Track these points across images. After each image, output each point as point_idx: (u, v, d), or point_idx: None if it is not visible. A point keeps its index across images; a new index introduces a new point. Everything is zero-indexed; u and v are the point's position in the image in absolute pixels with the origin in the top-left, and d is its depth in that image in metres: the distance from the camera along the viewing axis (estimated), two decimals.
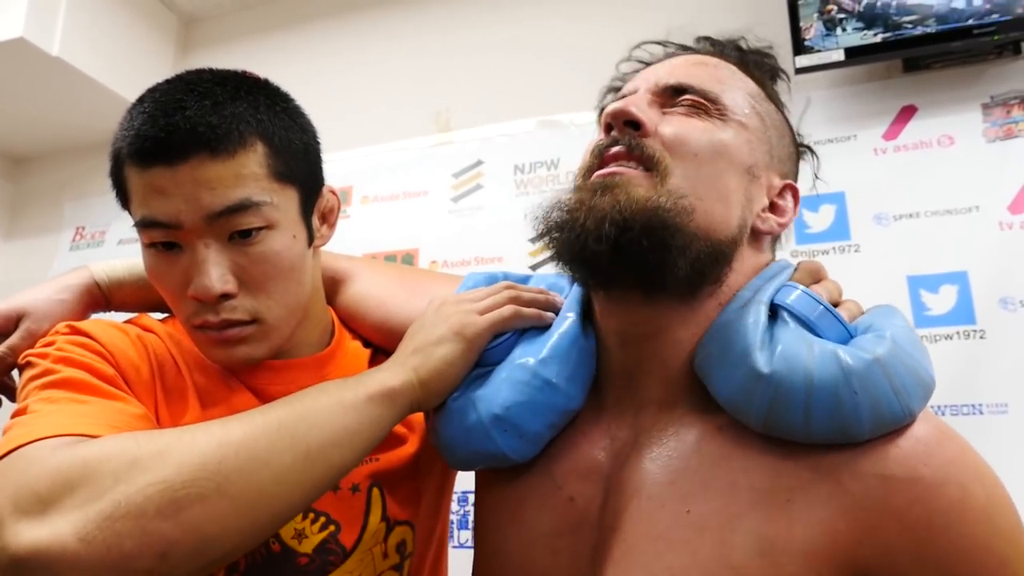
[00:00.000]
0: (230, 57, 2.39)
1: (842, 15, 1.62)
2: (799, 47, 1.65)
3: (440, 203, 2.00)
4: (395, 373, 0.69)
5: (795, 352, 0.57)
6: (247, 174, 0.70)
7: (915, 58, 1.64)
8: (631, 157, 0.65)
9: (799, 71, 1.65)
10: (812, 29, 1.64)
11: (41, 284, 0.83)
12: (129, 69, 2.22)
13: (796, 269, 0.69)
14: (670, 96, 0.69)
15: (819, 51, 1.63)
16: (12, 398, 0.82)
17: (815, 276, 0.68)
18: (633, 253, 0.61)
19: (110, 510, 0.52)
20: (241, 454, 0.58)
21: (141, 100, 0.72)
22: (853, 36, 1.61)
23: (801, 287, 0.63)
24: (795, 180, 0.76)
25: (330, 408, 0.64)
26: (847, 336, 0.60)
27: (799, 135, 0.80)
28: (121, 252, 2.28)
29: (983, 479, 0.54)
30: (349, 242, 1.99)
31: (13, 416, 0.64)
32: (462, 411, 0.70)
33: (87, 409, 0.63)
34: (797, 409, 0.56)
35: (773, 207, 0.70)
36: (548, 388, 0.68)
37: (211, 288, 0.69)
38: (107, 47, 2.16)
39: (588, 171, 0.68)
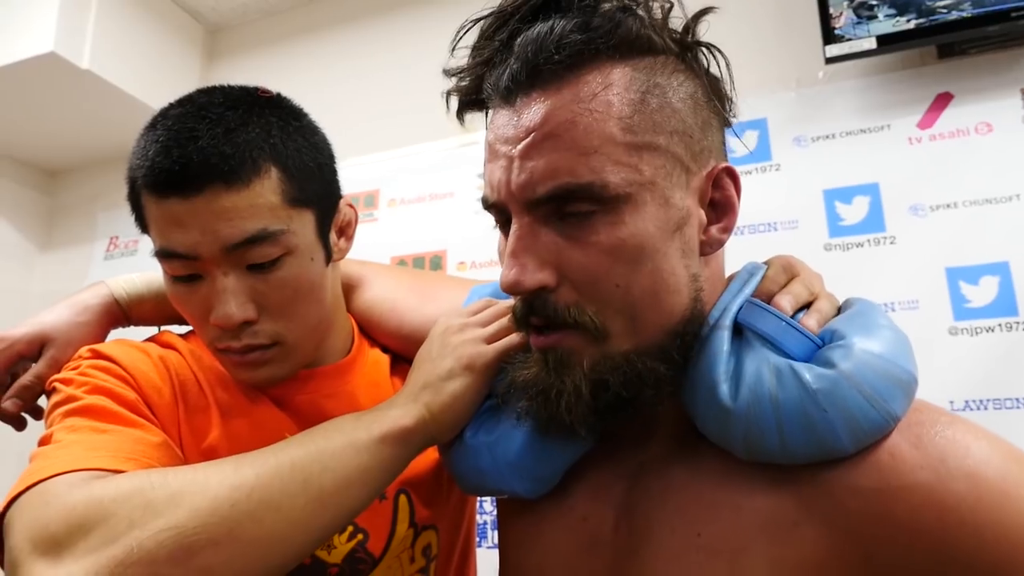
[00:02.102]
0: (255, 64, 2.41)
1: (874, 2, 1.59)
2: (829, 36, 1.62)
3: (467, 204, 2.00)
4: (408, 411, 0.68)
5: (758, 379, 0.55)
6: (262, 203, 0.69)
7: (950, 44, 1.60)
8: (556, 326, 0.59)
9: (829, 61, 1.62)
10: (842, 17, 1.61)
11: (60, 303, 0.84)
12: (158, 79, 2.26)
13: (768, 268, 0.65)
14: (547, 205, 0.58)
15: (850, 40, 1.60)
16: (38, 417, 0.83)
17: (789, 273, 0.65)
18: (617, 420, 0.61)
19: (123, 556, 0.52)
20: (253, 498, 0.57)
21: (154, 126, 0.71)
22: (885, 23, 1.58)
23: (760, 304, 0.59)
24: (723, 142, 0.64)
25: (343, 450, 0.63)
26: (814, 348, 0.57)
27: (710, 60, 0.64)
28: (154, 262, 2.30)
29: (988, 456, 0.51)
30: (377, 246, 2.00)
31: (40, 443, 0.66)
32: (477, 453, 0.69)
33: (106, 439, 0.64)
34: (771, 435, 0.54)
35: (713, 205, 0.62)
36: (562, 437, 0.66)
37: (232, 317, 0.70)
38: (135, 58, 2.20)
39: (522, 327, 0.63)
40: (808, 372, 0.54)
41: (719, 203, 0.62)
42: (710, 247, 0.61)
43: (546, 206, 0.57)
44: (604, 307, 0.58)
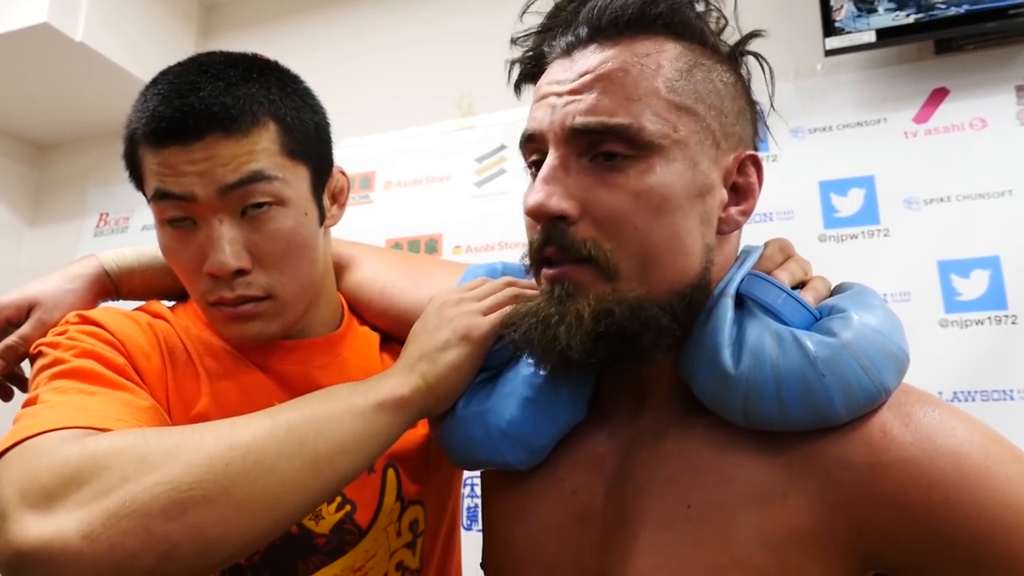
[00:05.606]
0: (250, 42, 2.38)
1: None
2: (829, 29, 1.63)
3: (464, 188, 2.00)
4: (404, 380, 0.69)
5: (760, 345, 0.57)
6: (259, 150, 0.71)
7: (947, 39, 1.61)
8: (570, 259, 0.61)
9: (829, 53, 1.63)
10: (843, 10, 1.62)
11: (51, 273, 0.83)
12: (152, 54, 2.23)
13: (765, 248, 0.68)
14: (584, 139, 0.60)
15: (850, 32, 1.61)
16: (23, 388, 0.83)
17: (784, 254, 0.68)
18: (611, 356, 0.62)
19: (115, 508, 0.52)
20: (249, 458, 0.57)
21: (155, 82, 0.73)
22: (885, 17, 1.59)
23: (762, 276, 0.62)
24: (754, 134, 0.68)
25: (340, 415, 0.64)
26: (812, 319, 0.60)
27: (743, 58, 0.68)
28: (145, 238, 2.29)
29: (971, 437, 0.54)
30: (373, 228, 2.00)
31: (24, 405, 0.65)
32: (469, 423, 0.70)
33: (95, 401, 0.64)
34: (770, 400, 0.56)
35: (735, 188, 0.64)
36: (555, 405, 0.68)
37: (226, 264, 0.70)
38: (130, 32, 2.17)
39: (536, 259, 0.64)
40: (809, 339, 0.56)
41: (741, 187, 0.65)
42: (727, 226, 0.64)
43: (582, 139, 0.60)
44: (620, 247, 0.60)
